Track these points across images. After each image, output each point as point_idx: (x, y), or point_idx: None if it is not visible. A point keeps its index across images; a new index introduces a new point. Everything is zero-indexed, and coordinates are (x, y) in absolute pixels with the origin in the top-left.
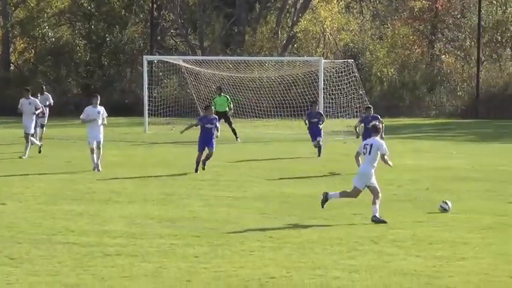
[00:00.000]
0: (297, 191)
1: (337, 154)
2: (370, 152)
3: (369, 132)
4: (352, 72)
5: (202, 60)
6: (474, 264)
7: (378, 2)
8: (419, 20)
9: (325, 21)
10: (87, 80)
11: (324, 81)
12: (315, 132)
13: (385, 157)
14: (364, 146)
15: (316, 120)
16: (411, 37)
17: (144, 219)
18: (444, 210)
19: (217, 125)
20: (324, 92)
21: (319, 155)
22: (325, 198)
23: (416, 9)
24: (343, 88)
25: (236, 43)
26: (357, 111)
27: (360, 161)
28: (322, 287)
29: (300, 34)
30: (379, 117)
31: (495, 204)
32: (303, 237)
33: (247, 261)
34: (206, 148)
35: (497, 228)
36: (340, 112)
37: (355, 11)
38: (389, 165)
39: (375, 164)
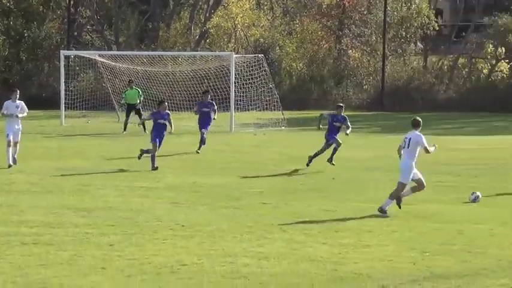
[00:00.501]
0: (208, 181)
1: (247, 146)
2: (408, 145)
3: (334, 129)
4: (263, 67)
5: (117, 55)
6: (378, 251)
7: None
8: (327, 16)
9: (236, 17)
10: (5, 75)
11: (235, 75)
12: (203, 123)
13: (430, 149)
14: (404, 139)
15: (207, 110)
16: (319, 33)
17: (60, 209)
18: (476, 198)
19: (171, 120)
20: (235, 86)
21: (198, 149)
22: (399, 201)
23: (324, 6)
24: (254, 82)
25: (150, 38)
26: (266, 104)
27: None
28: (232, 274)
29: (212, 30)
30: (347, 118)
31: None
32: (214, 225)
33: (160, 249)
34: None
35: (400, 217)
36: (251, 105)
37: (265, 7)
38: (433, 150)
39: (415, 157)
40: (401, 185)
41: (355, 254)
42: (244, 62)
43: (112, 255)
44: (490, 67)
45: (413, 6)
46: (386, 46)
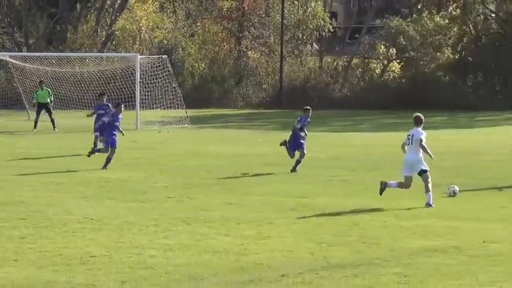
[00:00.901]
0: (115, 176)
1: (152, 142)
2: (412, 141)
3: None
4: (166, 67)
5: (27, 56)
6: (278, 242)
7: (189, 2)
8: (227, 18)
9: (141, 20)
10: None
11: (140, 75)
12: (100, 126)
13: (424, 145)
14: (407, 136)
15: (102, 112)
16: (220, 34)
17: None
18: (453, 193)
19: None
20: (140, 85)
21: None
22: (384, 187)
23: (224, 9)
24: (158, 81)
25: (59, 40)
26: (170, 103)
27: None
28: (139, 265)
29: (117, 32)
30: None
31: (297, 187)
32: (121, 219)
33: (70, 242)
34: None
35: (298, 210)
36: (155, 104)
37: (168, 10)
38: (429, 155)
39: (420, 152)
40: (407, 179)
41: (256, 245)
42: (148, 63)
43: (24, 248)
44: (382, 67)
45: (309, 9)
46: (284, 47)
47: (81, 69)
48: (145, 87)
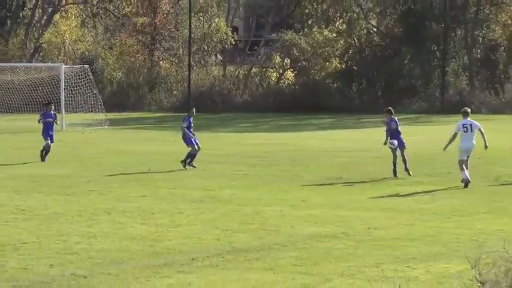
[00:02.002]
0: (43, 172)
1: (76, 142)
2: (471, 129)
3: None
4: (88, 76)
5: None
6: (188, 230)
7: (108, 18)
8: (141, 33)
9: (64, 34)
10: None
11: (64, 83)
12: (47, 132)
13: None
14: (463, 125)
15: (51, 119)
16: (135, 47)
17: None
18: (392, 145)
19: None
20: (65, 92)
21: (43, 159)
22: (467, 182)
23: (139, 24)
24: (81, 88)
25: None
26: (92, 107)
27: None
28: (66, 250)
29: (44, 44)
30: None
31: (204, 181)
32: (49, 210)
33: (3, 230)
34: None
35: (206, 201)
36: (78, 108)
37: (89, 25)
38: (485, 140)
39: (474, 139)
40: (462, 162)
41: (169, 232)
42: (72, 72)
43: None
44: (278, 75)
45: (213, 24)
46: (191, 58)
47: (12, 78)
48: (70, 93)
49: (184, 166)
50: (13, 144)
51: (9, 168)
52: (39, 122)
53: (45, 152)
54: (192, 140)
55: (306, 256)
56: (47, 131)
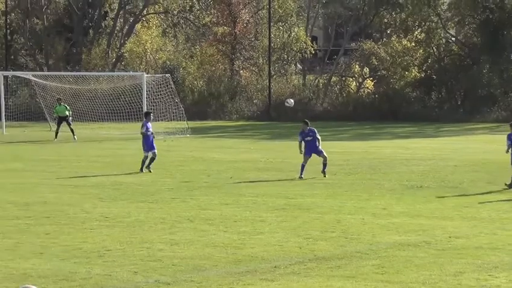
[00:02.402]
0: (126, 180)
1: (158, 150)
2: None
3: (310, 144)
4: (169, 85)
5: (48, 75)
6: (270, 238)
7: (188, 28)
8: (222, 42)
9: (146, 43)
10: None
11: (146, 91)
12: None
13: None
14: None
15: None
16: (216, 56)
17: (3, 204)
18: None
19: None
20: (146, 100)
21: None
22: None
23: (219, 34)
24: (162, 97)
25: (75, 61)
26: (173, 116)
27: None
28: (149, 257)
29: (126, 54)
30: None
31: (285, 189)
32: (133, 217)
33: (88, 237)
34: None
35: (287, 209)
36: (160, 116)
37: (170, 35)
38: None
39: None
40: None
41: (251, 240)
42: (153, 81)
43: (48, 243)
44: (357, 84)
45: (293, 34)
46: (271, 67)
47: (95, 86)
48: (151, 102)
49: (142, 170)
50: (97, 152)
51: (93, 176)
52: (145, 133)
53: (150, 160)
54: (153, 144)
55: (388, 264)
56: (152, 142)
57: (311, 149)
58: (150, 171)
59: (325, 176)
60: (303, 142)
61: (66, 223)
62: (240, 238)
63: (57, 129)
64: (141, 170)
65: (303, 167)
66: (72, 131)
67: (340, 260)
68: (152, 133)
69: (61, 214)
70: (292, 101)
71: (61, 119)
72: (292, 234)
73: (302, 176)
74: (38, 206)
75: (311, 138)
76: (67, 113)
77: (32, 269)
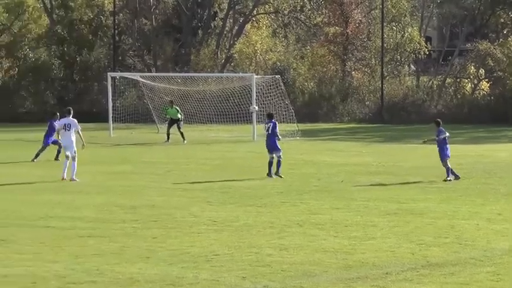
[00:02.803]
0: (235, 183)
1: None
2: None
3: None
4: (279, 86)
5: (156, 76)
6: (381, 243)
7: (299, 28)
8: (333, 43)
9: (256, 44)
10: (61, 93)
11: (256, 93)
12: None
13: None
14: None
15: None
16: (327, 57)
17: (110, 207)
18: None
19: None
20: (256, 103)
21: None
22: None
23: (330, 34)
24: (272, 99)
25: (183, 62)
26: (283, 118)
27: None
28: (258, 262)
29: (235, 54)
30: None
31: (398, 193)
32: (241, 221)
33: (196, 241)
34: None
35: (399, 213)
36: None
37: (280, 35)
38: None
39: None
40: None
41: (362, 245)
42: (263, 82)
43: (155, 247)
44: (472, 86)
45: (406, 34)
46: (384, 68)
47: (203, 88)
48: (261, 104)
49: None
50: (205, 155)
51: (201, 179)
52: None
53: (277, 165)
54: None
55: (503, 271)
56: (275, 143)
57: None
58: (281, 177)
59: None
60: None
61: (174, 227)
62: (351, 243)
63: (168, 131)
64: (269, 175)
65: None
66: (181, 134)
67: (454, 267)
68: (275, 134)
69: (168, 218)
70: (256, 107)
71: (172, 122)
72: (405, 240)
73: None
74: (145, 209)
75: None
76: (179, 116)
77: (138, 274)
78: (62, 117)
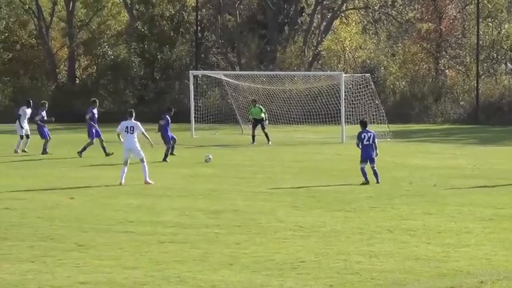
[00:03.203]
0: (323, 187)
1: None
2: None
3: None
4: (369, 85)
5: (240, 74)
6: (476, 250)
7: (390, 24)
8: (426, 39)
9: (345, 41)
10: (141, 92)
11: (344, 92)
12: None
13: None
14: None
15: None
16: (419, 54)
17: (192, 211)
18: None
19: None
20: (345, 102)
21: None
22: None
23: (423, 31)
24: (361, 98)
25: (269, 60)
26: (373, 119)
27: None
28: (346, 270)
29: (323, 52)
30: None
31: (494, 198)
32: (328, 227)
33: (281, 248)
34: None
35: (495, 219)
36: (359, 119)
37: (370, 32)
38: None
39: None
40: None
41: (456, 253)
42: (352, 81)
43: (239, 253)
44: None
45: (503, 30)
46: (479, 66)
47: (290, 87)
48: (350, 104)
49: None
50: (291, 157)
51: (287, 183)
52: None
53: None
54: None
55: None
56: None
57: None
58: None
59: None
60: None
61: (258, 232)
62: (444, 250)
63: (253, 132)
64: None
65: None
66: (266, 135)
67: None
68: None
69: (253, 223)
70: (210, 157)
71: (256, 122)
72: (501, 247)
73: None
74: (228, 214)
75: None
76: (262, 115)
77: (221, 281)
78: (123, 119)
